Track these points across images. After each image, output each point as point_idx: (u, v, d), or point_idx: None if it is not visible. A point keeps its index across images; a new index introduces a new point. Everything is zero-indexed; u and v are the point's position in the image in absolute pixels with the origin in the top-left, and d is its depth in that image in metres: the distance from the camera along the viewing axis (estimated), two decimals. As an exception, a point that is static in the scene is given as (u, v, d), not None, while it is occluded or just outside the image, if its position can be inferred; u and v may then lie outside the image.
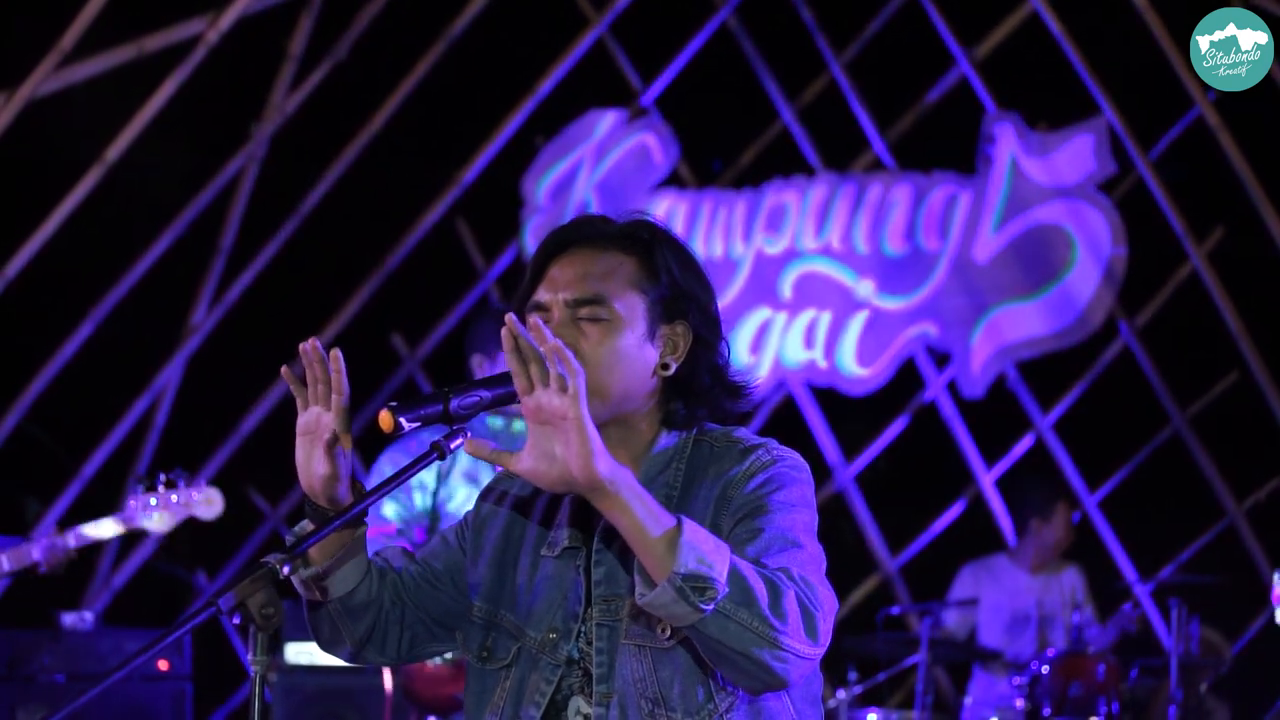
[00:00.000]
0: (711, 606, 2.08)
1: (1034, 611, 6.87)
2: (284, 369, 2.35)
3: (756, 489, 2.30)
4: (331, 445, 2.32)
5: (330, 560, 2.37)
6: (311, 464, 2.34)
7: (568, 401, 2.07)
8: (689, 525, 2.10)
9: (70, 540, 4.71)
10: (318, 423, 2.34)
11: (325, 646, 2.51)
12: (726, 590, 2.08)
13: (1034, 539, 6.94)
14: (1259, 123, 7.38)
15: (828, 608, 2.19)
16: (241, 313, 8.28)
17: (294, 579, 2.36)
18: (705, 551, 2.09)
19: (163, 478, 4.82)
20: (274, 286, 8.34)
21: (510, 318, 2.08)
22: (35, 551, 4.69)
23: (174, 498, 4.78)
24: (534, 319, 2.08)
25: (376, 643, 2.48)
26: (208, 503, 4.85)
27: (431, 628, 2.50)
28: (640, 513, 2.10)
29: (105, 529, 4.72)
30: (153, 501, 4.76)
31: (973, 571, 7.04)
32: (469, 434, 2.25)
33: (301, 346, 2.33)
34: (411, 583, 2.49)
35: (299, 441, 2.35)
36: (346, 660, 2.52)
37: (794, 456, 2.37)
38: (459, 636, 2.49)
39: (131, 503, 4.76)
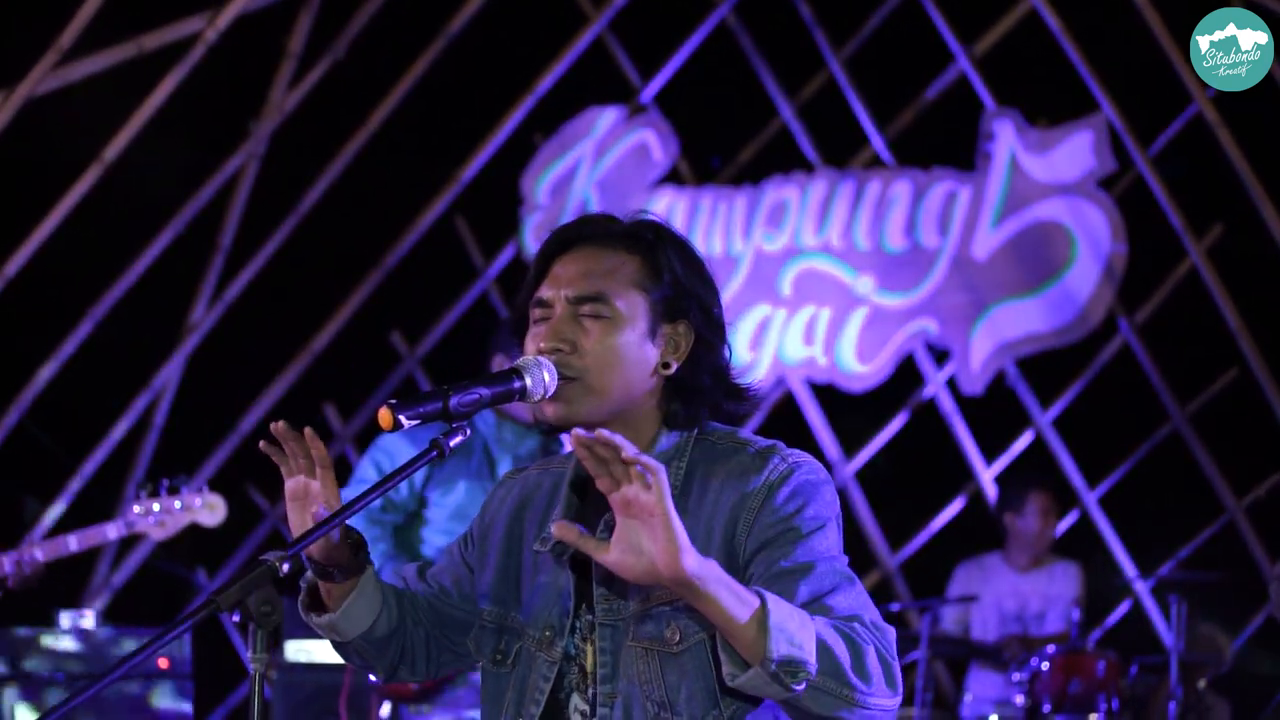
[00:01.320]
0: (803, 686, 2.09)
1: (1019, 612, 6.88)
2: (262, 444, 2.36)
3: (784, 505, 2.28)
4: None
5: (343, 606, 2.39)
6: (306, 527, 2.34)
7: (654, 498, 2.06)
8: (773, 604, 2.09)
9: (41, 553, 4.67)
10: (305, 490, 2.34)
11: (360, 669, 2.55)
12: (816, 666, 2.10)
13: (1014, 536, 6.96)
14: (1258, 119, 7.37)
15: (896, 647, 2.21)
16: (241, 311, 8.27)
17: (312, 624, 2.41)
18: (793, 631, 2.09)
19: (166, 483, 4.81)
20: (274, 285, 8.34)
21: (578, 432, 2.07)
22: (6, 564, 4.68)
23: (177, 504, 4.78)
24: (577, 432, 2.07)
25: (407, 664, 2.51)
26: (210, 509, 4.85)
27: (448, 644, 2.52)
28: (728, 602, 2.08)
29: (107, 534, 4.71)
30: (155, 507, 4.76)
31: (966, 570, 7.05)
32: (468, 430, 2.25)
33: (272, 428, 2.34)
34: (424, 602, 2.51)
35: (290, 506, 2.36)
36: (380, 682, 2.55)
37: (810, 461, 2.36)
38: (470, 644, 2.50)
39: (135, 508, 4.76)
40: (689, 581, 2.07)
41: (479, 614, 2.49)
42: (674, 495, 2.33)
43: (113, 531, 4.73)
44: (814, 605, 2.21)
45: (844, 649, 2.13)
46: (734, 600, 2.08)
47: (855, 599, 2.23)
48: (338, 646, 2.48)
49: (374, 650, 2.46)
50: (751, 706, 2.29)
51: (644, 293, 2.36)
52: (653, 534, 2.06)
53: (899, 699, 2.19)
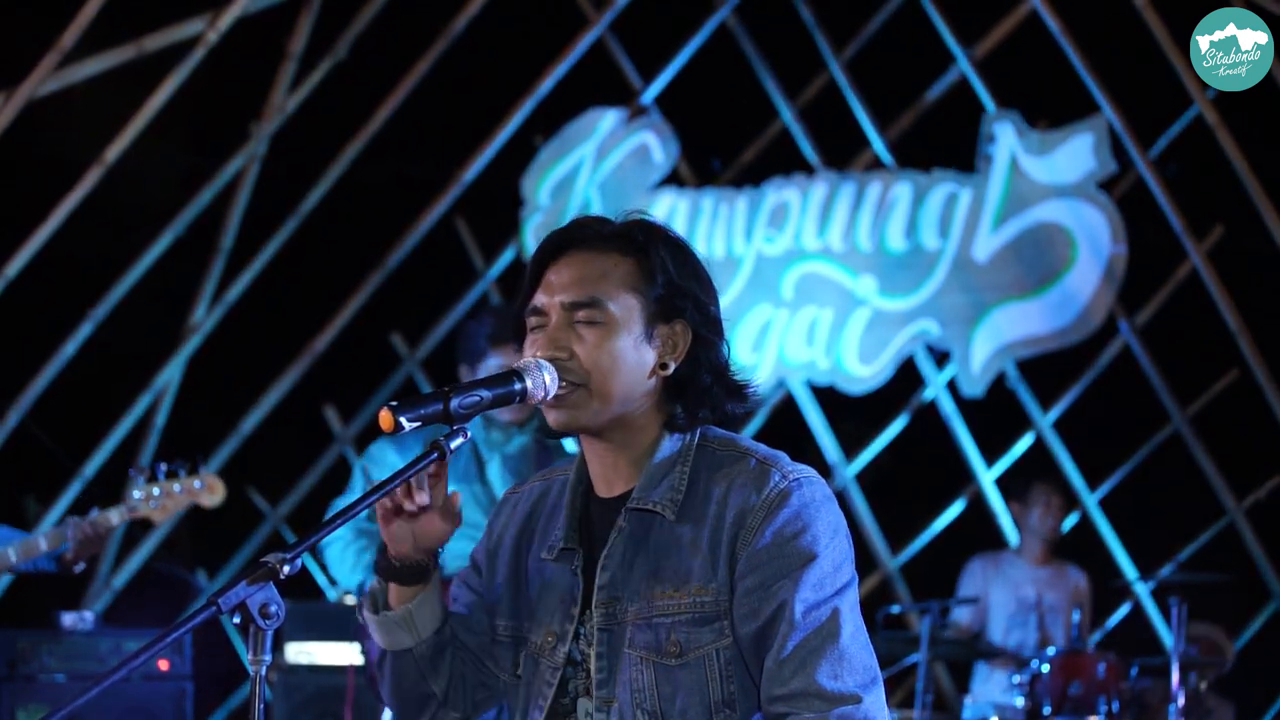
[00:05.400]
0: None
1: (1038, 602, 6.88)
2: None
3: (782, 528, 2.27)
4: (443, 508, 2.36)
5: (412, 603, 2.41)
6: (432, 532, 2.36)
7: None
8: None
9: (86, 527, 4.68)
10: (409, 500, 2.33)
11: (405, 701, 2.51)
12: None
13: (1023, 530, 7.00)
14: (1258, 120, 7.38)
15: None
16: (242, 313, 8.28)
17: (382, 622, 2.41)
18: None
19: (163, 468, 4.83)
20: (274, 286, 8.34)
21: None
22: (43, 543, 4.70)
23: (176, 487, 4.80)
24: None
25: (453, 700, 2.51)
26: (210, 491, 4.88)
27: (482, 676, 2.52)
28: None
29: (110, 519, 4.72)
30: (155, 491, 4.78)
31: (981, 565, 7.04)
32: (468, 433, 2.25)
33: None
34: (457, 635, 2.52)
35: (395, 522, 2.35)
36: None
37: (811, 477, 2.33)
38: (491, 665, 2.50)
39: (135, 493, 4.77)
40: None
41: (493, 630, 2.48)
42: (679, 500, 2.33)
43: (115, 517, 4.73)
44: (801, 674, 2.22)
45: None
46: None
47: (844, 670, 2.24)
48: (398, 660, 2.46)
49: (433, 665, 2.45)
50: None
51: (638, 294, 2.35)
52: None
53: None
